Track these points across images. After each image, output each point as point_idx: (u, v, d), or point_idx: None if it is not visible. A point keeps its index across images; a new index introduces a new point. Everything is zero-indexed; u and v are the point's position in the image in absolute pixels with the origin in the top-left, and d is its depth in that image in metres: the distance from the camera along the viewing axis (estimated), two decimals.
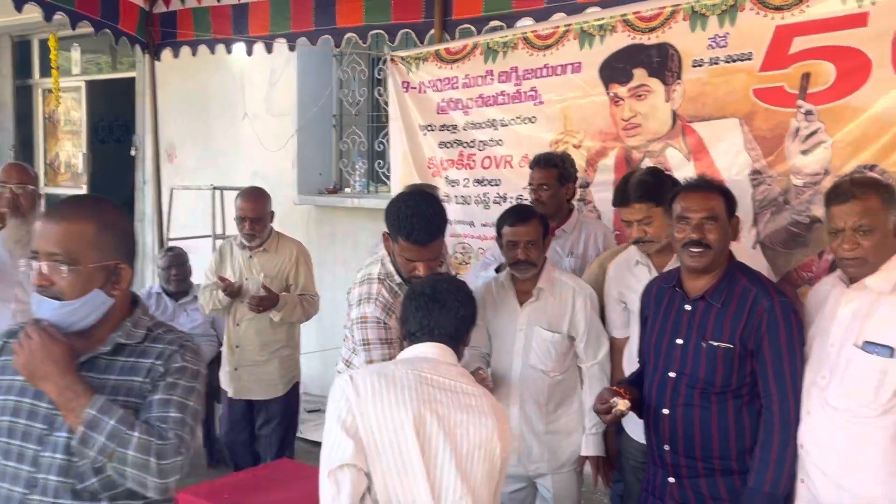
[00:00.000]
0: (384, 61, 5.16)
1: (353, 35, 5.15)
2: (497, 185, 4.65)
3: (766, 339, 2.48)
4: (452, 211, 4.84)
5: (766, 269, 3.46)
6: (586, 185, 4.23)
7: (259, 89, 7.05)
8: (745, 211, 3.54)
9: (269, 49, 5.63)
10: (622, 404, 2.57)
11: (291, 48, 5.65)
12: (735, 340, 2.51)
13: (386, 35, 5.09)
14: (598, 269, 3.47)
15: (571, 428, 3.18)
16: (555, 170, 3.75)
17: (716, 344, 2.53)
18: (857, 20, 3.19)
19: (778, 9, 3.40)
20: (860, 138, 3.23)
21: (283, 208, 6.75)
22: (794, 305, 2.61)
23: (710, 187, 2.66)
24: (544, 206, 3.72)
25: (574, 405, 3.18)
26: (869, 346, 2.33)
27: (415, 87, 4.92)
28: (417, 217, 2.76)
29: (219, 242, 5.11)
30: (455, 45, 4.67)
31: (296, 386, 4.39)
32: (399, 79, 4.98)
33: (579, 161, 4.15)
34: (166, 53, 6.18)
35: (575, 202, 4.19)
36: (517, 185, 4.37)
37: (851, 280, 2.44)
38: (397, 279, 2.93)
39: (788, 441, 2.46)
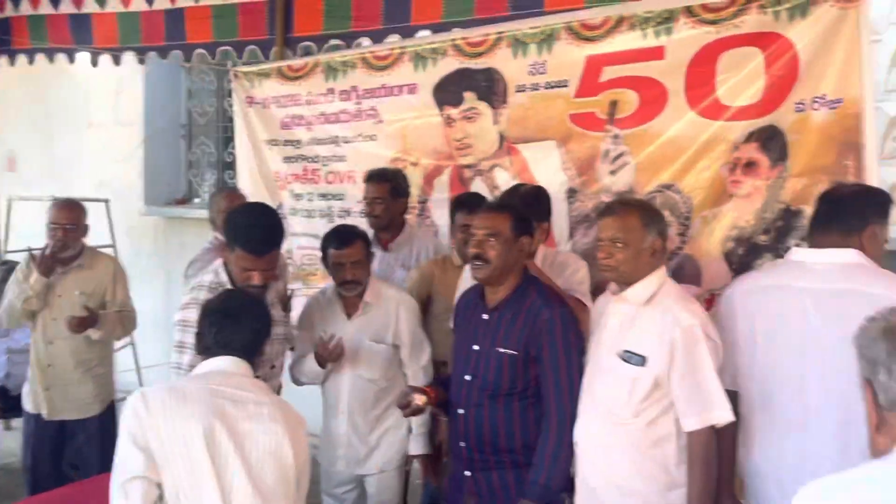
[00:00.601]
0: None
1: (203, 51, 5.18)
2: (341, 199, 4.78)
3: (545, 347, 2.72)
4: (298, 224, 4.96)
5: None
6: (424, 202, 4.42)
7: (105, 98, 6.91)
8: (562, 226, 3.84)
9: (117, 61, 5.55)
10: (419, 399, 2.81)
11: (141, 61, 5.59)
12: (520, 347, 2.74)
13: (234, 51, 5.14)
14: (418, 275, 3.70)
15: (398, 432, 3.35)
16: (387, 184, 3.93)
17: (503, 350, 2.76)
18: (656, 53, 3.50)
19: (588, 40, 3.67)
20: (659, 160, 3.53)
21: (131, 219, 6.66)
22: (575, 317, 2.86)
23: (498, 208, 2.90)
24: (377, 220, 3.90)
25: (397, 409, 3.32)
26: (626, 355, 2.57)
27: (259, 103, 5.00)
28: (255, 228, 2.86)
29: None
30: (296, 62, 4.78)
31: (112, 404, 4.32)
32: (243, 94, 5.05)
33: (417, 178, 4.34)
34: (3, 60, 5.97)
35: (415, 217, 4.40)
36: (360, 200, 4.51)
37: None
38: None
39: (563, 439, 2.69)
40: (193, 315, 2.89)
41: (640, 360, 2.54)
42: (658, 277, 2.63)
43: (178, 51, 5.23)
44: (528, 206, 3.26)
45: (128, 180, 6.76)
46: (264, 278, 2.90)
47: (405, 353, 3.33)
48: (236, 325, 2.30)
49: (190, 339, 2.86)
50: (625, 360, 2.57)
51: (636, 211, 2.64)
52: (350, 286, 3.27)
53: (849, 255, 2.51)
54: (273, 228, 2.94)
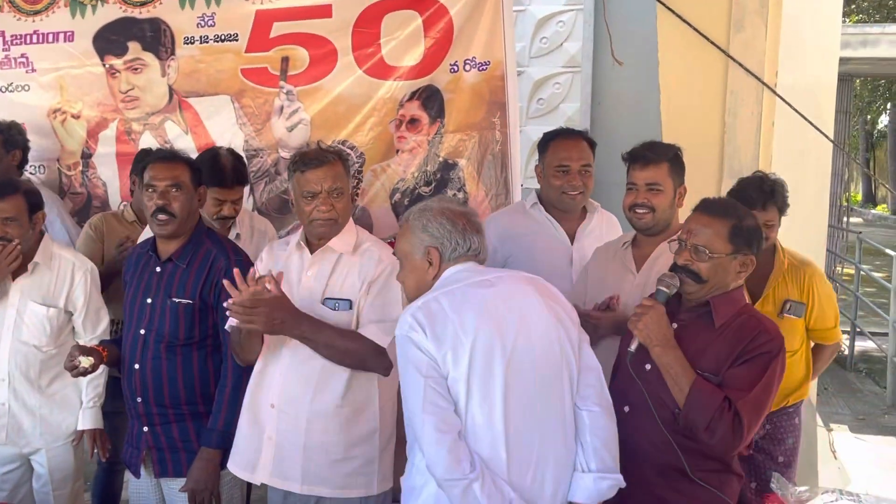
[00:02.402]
0: None
1: None
2: None
3: (223, 294, 2.61)
4: None
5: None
6: (89, 157, 4.18)
7: None
8: None
9: None
10: (86, 361, 2.71)
11: None
12: (196, 296, 2.74)
13: None
14: (93, 232, 3.55)
15: (69, 402, 3.16)
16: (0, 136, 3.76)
17: (178, 300, 2.74)
18: (323, 11, 3.60)
19: None
20: (333, 117, 3.67)
21: None
22: (251, 263, 2.84)
23: (175, 157, 2.85)
24: None
25: (70, 378, 3.09)
26: (331, 303, 2.58)
27: None
28: None
29: None
30: None
31: None
32: None
33: (80, 132, 4.11)
34: None
35: (79, 173, 4.16)
36: None
37: (313, 245, 2.65)
38: None
39: (240, 384, 2.71)
40: None
41: (347, 304, 2.57)
42: (353, 224, 2.68)
43: None
44: (236, 169, 3.29)
45: None
46: None
47: (79, 321, 3.14)
48: None
49: None
50: (332, 308, 2.57)
51: (338, 159, 2.62)
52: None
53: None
54: None
